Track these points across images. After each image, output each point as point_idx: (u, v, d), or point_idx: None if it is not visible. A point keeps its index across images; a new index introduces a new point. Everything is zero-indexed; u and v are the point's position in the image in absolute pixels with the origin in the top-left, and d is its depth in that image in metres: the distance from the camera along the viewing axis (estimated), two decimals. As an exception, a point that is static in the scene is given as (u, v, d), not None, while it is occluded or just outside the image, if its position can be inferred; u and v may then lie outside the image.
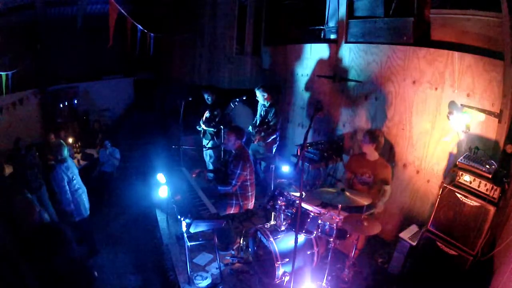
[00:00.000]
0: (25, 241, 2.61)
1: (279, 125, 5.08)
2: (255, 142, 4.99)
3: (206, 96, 5.40)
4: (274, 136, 5.03)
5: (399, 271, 3.44)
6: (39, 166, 4.83)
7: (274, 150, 5.20)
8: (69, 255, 2.67)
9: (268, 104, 5.01)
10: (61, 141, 3.91)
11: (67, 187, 3.69)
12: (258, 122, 5.14)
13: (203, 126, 5.46)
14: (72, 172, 3.80)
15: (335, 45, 4.75)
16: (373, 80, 4.24)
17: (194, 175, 4.03)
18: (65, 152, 3.76)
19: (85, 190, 4.02)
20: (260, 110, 5.17)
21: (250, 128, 5.13)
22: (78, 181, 3.89)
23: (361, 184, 3.68)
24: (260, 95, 4.97)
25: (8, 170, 5.01)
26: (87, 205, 3.99)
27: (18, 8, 6.61)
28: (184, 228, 3.17)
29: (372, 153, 3.64)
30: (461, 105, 3.27)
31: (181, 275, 3.43)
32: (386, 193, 3.58)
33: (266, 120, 5.00)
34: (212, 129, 5.37)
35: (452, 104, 3.35)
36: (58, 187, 3.67)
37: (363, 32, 4.40)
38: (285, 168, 4.28)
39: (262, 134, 4.90)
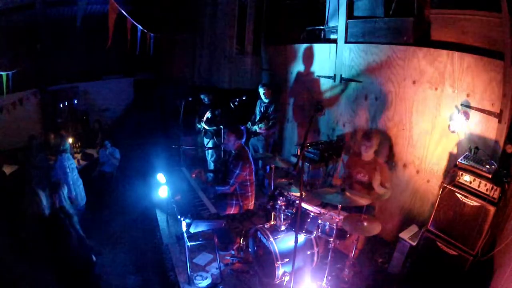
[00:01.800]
0: (32, 233, 2.71)
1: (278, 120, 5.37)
2: (259, 130, 5.16)
3: (202, 96, 5.55)
4: (274, 130, 5.28)
5: (399, 271, 3.44)
6: (46, 168, 4.87)
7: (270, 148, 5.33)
8: (70, 242, 2.76)
9: (268, 101, 5.18)
10: (63, 133, 4.12)
11: (69, 175, 3.99)
12: (257, 118, 5.29)
13: (204, 126, 5.48)
14: (71, 163, 4.11)
15: (335, 45, 4.75)
16: (373, 80, 4.24)
17: (193, 176, 4.03)
18: (67, 144, 4.12)
19: (81, 182, 4.29)
20: (260, 107, 5.32)
21: (249, 124, 5.21)
22: (76, 173, 4.19)
23: (358, 184, 3.67)
24: (261, 92, 5.17)
25: (8, 169, 5.03)
26: (83, 194, 4.26)
27: (18, 8, 6.61)
28: (184, 228, 3.17)
29: (370, 154, 3.64)
30: (461, 105, 3.27)
31: (181, 275, 3.43)
32: (386, 192, 3.53)
33: (266, 114, 5.16)
34: (213, 127, 5.41)
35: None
36: (63, 174, 3.94)
37: (363, 32, 4.40)
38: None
39: (263, 125, 5.10)
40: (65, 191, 3.58)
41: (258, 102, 5.34)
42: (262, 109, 5.26)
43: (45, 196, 3.11)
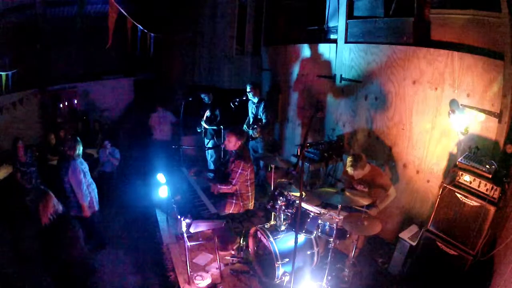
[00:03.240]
0: (44, 233, 2.69)
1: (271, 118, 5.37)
2: (256, 136, 5.12)
3: (202, 96, 5.56)
4: (268, 130, 5.29)
5: (399, 271, 3.44)
6: (37, 165, 4.88)
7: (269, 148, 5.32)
8: (80, 246, 2.77)
9: (257, 100, 5.16)
10: (78, 137, 4.00)
11: (84, 181, 3.81)
12: (251, 120, 5.27)
13: (204, 125, 5.48)
14: (85, 167, 3.94)
15: (335, 45, 4.76)
16: (373, 80, 4.24)
17: (191, 174, 4.03)
18: (81, 148, 3.89)
19: (95, 186, 4.14)
20: (251, 108, 5.30)
21: (245, 126, 5.20)
22: (89, 177, 4.03)
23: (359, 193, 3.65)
24: (248, 90, 5.13)
25: (5, 170, 5.04)
26: (97, 199, 4.12)
27: (18, 8, 6.61)
28: (184, 228, 3.17)
29: (362, 171, 3.55)
30: (461, 105, 3.27)
31: (181, 275, 3.43)
32: (388, 197, 3.54)
33: (258, 117, 5.14)
34: (214, 127, 5.41)
35: (453, 102, 3.34)
36: (76, 181, 3.75)
37: (363, 32, 4.41)
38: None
39: (258, 129, 5.08)
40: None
41: (249, 104, 5.31)
42: (253, 110, 5.24)
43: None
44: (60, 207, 2.84)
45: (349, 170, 3.51)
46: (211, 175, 4.23)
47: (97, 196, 4.09)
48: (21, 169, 4.74)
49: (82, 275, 2.87)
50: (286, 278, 3.11)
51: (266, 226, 3.41)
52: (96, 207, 4.07)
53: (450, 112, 3.30)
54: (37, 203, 2.72)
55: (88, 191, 3.89)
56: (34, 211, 2.73)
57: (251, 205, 3.97)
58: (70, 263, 2.72)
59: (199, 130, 5.70)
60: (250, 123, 5.24)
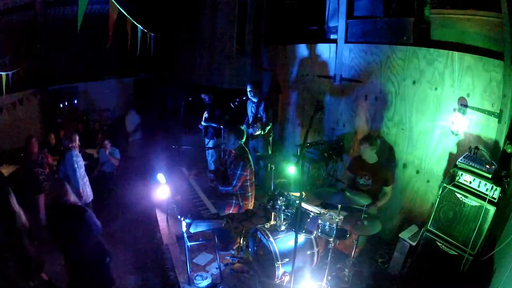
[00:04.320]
0: (56, 218, 2.84)
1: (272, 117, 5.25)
2: (256, 133, 5.07)
3: (202, 96, 5.57)
4: (269, 127, 5.15)
5: (399, 271, 3.44)
6: (49, 165, 4.92)
7: (270, 147, 5.27)
8: (94, 234, 2.83)
9: (256, 100, 5.11)
10: (73, 131, 4.38)
11: (77, 170, 4.09)
12: (251, 120, 5.23)
13: (203, 123, 5.48)
14: (80, 160, 4.21)
15: (335, 45, 4.76)
16: (373, 80, 4.24)
17: (190, 178, 4.02)
18: (76, 141, 4.20)
19: (88, 179, 4.41)
20: (250, 107, 5.25)
21: (244, 127, 5.19)
22: (83, 170, 4.30)
23: (362, 186, 3.68)
24: (248, 90, 5.09)
25: (6, 170, 5.05)
26: (90, 192, 4.41)
27: (18, 8, 6.61)
28: (184, 228, 3.18)
29: (371, 156, 3.64)
30: (461, 105, 3.27)
31: (181, 275, 3.43)
32: (386, 196, 3.58)
33: (258, 116, 5.11)
34: (214, 124, 5.40)
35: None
36: (70, 170, 4.05)
37: (363, 32, 4.41)
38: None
39: (257, 128, 5.02)
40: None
41: (248, 103, 5.28)
42: (253, 110, 5.21)
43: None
44: (73, 196, 2.92)
45: (362, 142, 3.60)
46: (211, 175, 4.23)
47: (89, 188, 4.35)
48: (28, 167, 4.75)
49: (94, 267, 2.92)
50: (286, 278, 3.11)
51: (266, 226, 3.41)
52: (88, 199, 4.31)
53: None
54: (53, 190, 2.87)
55: (83, 182, 4.19)
56: (50, 199, 2.89)
57: (251, 205, 3.97)
58: (82, 252, 2.77)
59: (200, 127, 5.70)
60: (250, 122, 5.23)
